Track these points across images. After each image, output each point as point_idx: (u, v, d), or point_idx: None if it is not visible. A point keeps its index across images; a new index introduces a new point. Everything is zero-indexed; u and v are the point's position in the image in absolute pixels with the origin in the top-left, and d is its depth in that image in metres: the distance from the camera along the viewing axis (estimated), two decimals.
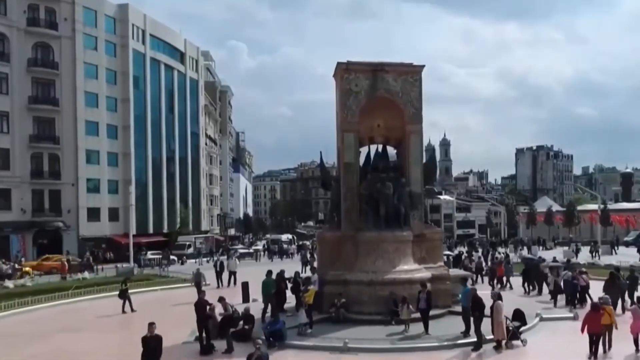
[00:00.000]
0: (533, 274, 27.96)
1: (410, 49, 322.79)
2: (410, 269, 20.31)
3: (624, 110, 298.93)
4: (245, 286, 25.04)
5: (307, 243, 75.33)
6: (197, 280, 27.24)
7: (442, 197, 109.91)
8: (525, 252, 53.11)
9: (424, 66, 22.09)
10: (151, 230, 66.30)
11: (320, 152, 24.85)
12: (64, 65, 56.96)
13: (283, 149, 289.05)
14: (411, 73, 21.94)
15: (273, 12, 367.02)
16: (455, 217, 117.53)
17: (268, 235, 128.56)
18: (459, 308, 20.22)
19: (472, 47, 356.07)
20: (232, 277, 32.13)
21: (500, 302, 16.36)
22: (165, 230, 69.17)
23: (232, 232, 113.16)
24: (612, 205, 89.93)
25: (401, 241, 20.55)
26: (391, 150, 24.19)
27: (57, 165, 56.70)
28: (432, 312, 18.90)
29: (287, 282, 22.22)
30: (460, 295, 17.86)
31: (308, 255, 40.52)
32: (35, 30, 55.54)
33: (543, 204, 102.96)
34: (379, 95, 21.72)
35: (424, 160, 23.26)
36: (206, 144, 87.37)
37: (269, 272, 21.98)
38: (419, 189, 21.94)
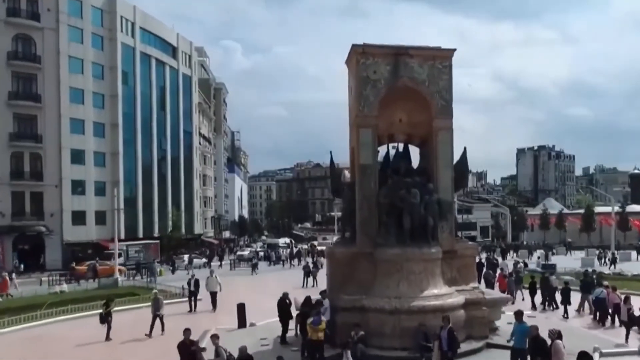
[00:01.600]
0: (542, 288, 25.56)
1: None
2: (440, 293, 16.80)
3: (620, 111, 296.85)
4: (241, 309, 21.37)
5: (305, 247, 71.79)
6: (156, 307, 20.83)
7: None
8: (542, 259, 49.19)
9: (454, 50, 18.55)
10: (141, 235, 62.81)
11: (331, 153, 21.17)
12: (47, 58, 53.68)
13: (279, 148, 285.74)
14: (440, 58, 18.35)
15: (268, 11, 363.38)
16: (456, 218, 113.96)
17: (264, 237, 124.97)
18: (498, 339, 17.17)
19: (468, 47, 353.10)
20: (212, 300, 26.53)
21: (560, 341, 12.97)
22: (156, 234, 65.66)
23: (226, 234, 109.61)
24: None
25: (430, 259, 16.99)
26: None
27: (39, 165, 53.54)
28: (467, 347, 16.04)
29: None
30: (512, 332, 14.36)
31: (311, 265, 36.86)
32: (15, 21, 52.43)
33: (550, 206, 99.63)
34: (402, 84, 18.12)
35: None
36: (200, 143, 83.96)
37: (308, 299, 17.10)
38: (449, 197, 18.40)
